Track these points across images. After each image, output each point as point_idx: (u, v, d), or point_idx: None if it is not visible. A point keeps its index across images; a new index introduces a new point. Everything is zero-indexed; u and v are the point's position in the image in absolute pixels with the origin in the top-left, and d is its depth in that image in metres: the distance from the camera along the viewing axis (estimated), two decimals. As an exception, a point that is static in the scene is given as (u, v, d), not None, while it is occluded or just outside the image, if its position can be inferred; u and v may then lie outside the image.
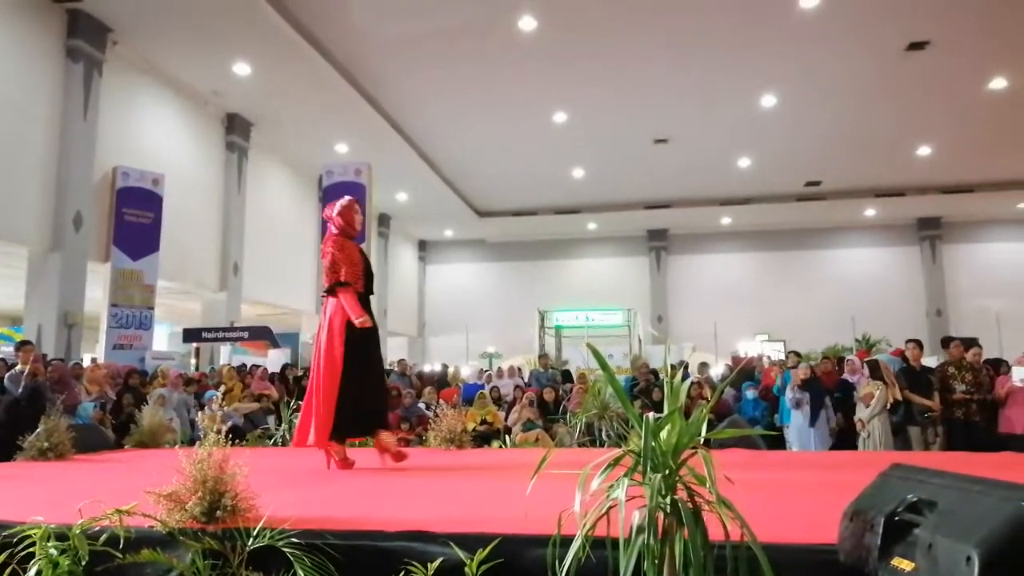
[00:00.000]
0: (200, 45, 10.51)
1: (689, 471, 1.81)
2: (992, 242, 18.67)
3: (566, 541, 1.74)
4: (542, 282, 20.40)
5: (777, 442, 7.36)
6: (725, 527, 1.66)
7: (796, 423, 7.37)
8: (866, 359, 8.43)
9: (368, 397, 4.17)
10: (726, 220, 19.31)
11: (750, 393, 8.11)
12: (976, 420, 7.19)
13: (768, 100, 12.54)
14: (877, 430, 7.14)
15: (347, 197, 4.61)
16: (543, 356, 12.05)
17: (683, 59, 11.11)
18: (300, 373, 9.52)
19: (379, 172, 13.55)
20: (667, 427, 1.83)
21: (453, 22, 10.11)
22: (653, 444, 1.79)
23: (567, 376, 10.82)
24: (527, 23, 10.16)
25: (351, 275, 4.21)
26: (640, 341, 15.20)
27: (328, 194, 13.20)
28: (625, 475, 1.78)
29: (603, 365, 1.96)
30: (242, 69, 11.21)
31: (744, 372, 8.94)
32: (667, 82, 11.89)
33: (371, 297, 4.40)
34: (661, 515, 1.72)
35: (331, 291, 4.22)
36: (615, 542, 1.68)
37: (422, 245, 22.35)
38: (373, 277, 4.46)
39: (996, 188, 16.66)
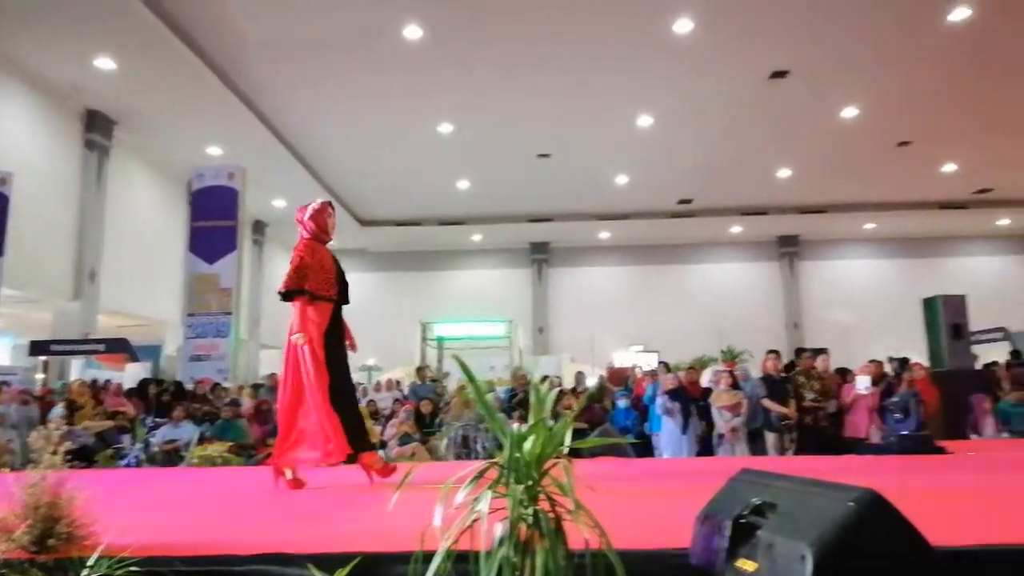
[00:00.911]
0: (58, 35, 9.73)
1: (553, 481, 1.83)
2: (842, 259, 20.30)
3: (429, 557, 1.72)
4: (425, 293, 20.26)
5: (646, 450, 7.63)
6: (585, 536, 1.68)
7: (668, 430, 7.66)
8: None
9: (353, 411, 4.05)
10: (605, 234, 19.94)
11: (622, 402, 8.37)
12: (824, 425, 7.75)
13: (644, 120, 13.07)
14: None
15: (320, 200, 4.46)
16: (422, 368, 11.93)
17: (565, 76, 11.40)
18: (166, 388, 8.95)
19: (255, 177, 13.03)
20: (531, 437, 1.84)
21: (336, 27, 9.91)
22: (517, 455, 1.80)
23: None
24: (412, 32, 10.11)
25: (318, 283, 4.04)
26: (521, 352, 15.38)
27: (197, 199, 12.55)
28: (490, 487, 1.77)
29: (470, 377, 1.95)
30: (105, 63, 10.48)
31: (604, 388, 9.22)
32: (550, 98, 12.16)
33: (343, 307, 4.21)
34: (524, 526, 1.73)
35: (288, 297, 4.03)
36: (487, 555, 1.67)
37: (301, 254, 21.63)
38: (348, 285, 4.28)
39: (847, 209, 18.12)
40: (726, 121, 13.05)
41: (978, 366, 10.89)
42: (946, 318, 10.06)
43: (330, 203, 4.44)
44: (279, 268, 20.20)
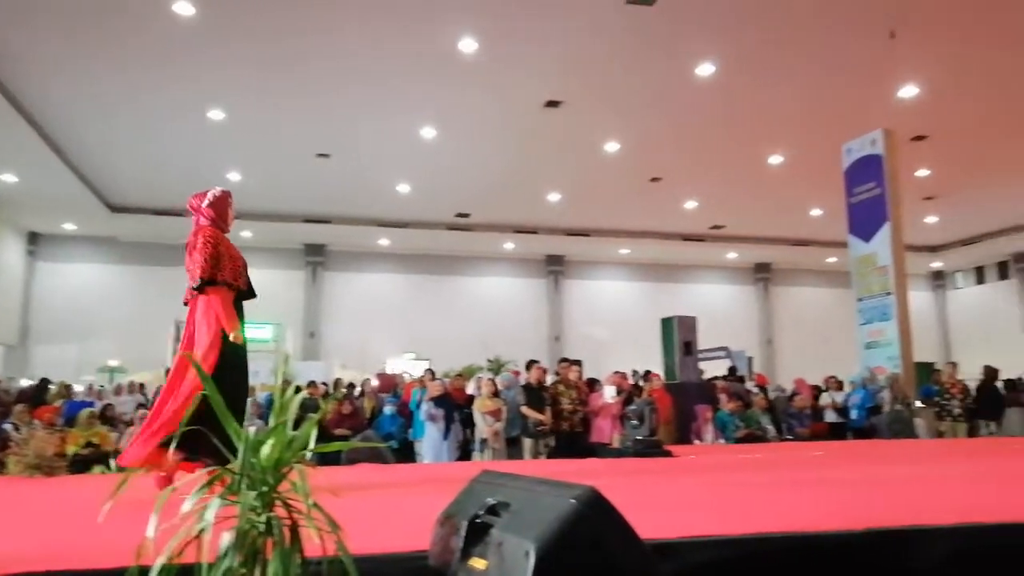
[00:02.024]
0: None
1: (293, 487, 1.77)
2: (601, 280, 22.08)
3: (146, 572, 1.57)
4: (182, 291, 18.64)
5: (408, 456, 7.69)
6: (318, 541, 1.65)
7: (430, 436, 7.78)
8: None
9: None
10: (384, 241, 19.83)
11: (388, 409, 8.36)
12: (579, 431, 8.35)
13: (428, 132, 13.23)
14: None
15: (220, 188, 4.16)
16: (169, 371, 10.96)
17: (350, 78, 11.20)
18: None
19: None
20: (269, 442, 1.77)
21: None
22: (253, 460, 1.73)
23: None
24: (183, 8, 9.32)
25: (233, 273, 3.77)
26: (288, 357, 14.73)
27: None
28: (221, 495, 1.68)
29: (204, 378, 1.83)
30: None
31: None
32: (331, 98, 11.87)
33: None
34: (256, 535, 1.65)
35: (202, 288, 3.67)
36: (210, 567, 1.57)
37: (33, 238, 18.88)
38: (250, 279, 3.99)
39: (606, 235, 19.75)
40: (504, 142, 13.63)
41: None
42: (679, 336, 11.35)
43: (231, 193, 4.19)
44: (8, 253, 17.48)
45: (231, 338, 3.67)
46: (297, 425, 1.92)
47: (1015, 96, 11.59)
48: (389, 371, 14.44)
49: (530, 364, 8.92)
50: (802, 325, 22.02)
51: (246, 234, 19.09)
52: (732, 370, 15.17)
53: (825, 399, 12.30)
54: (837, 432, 11.51)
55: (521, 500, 1.91)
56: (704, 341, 12.82)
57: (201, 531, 1.61)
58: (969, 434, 12.21)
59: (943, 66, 10.78)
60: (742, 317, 22.39)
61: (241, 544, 1.62)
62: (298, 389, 2.02)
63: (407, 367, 15.00)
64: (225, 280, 3.78)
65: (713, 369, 14.58)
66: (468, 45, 10.30)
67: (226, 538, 1.62)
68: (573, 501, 1.80)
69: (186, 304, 3.98)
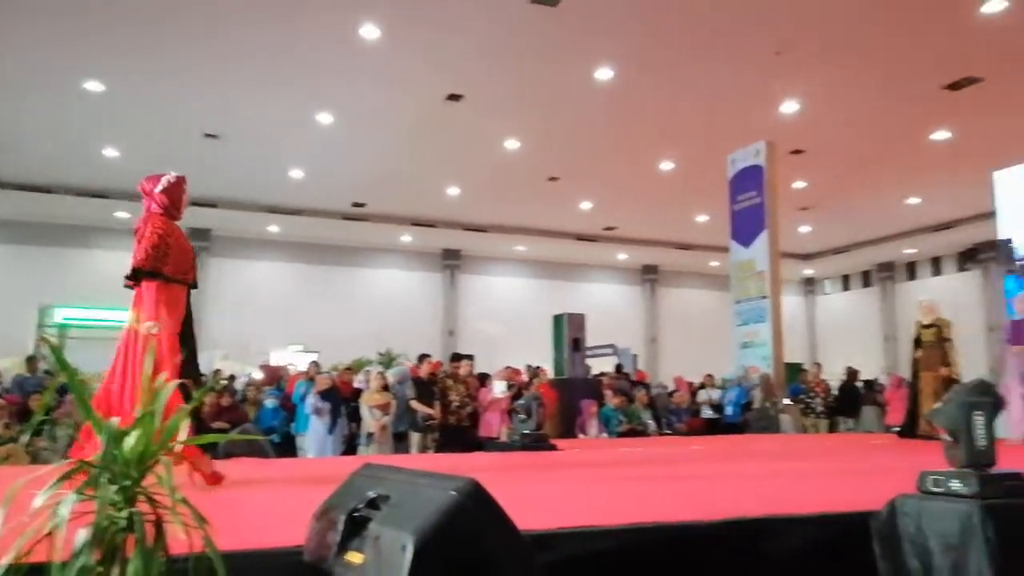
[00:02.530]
0: None
1: (159, 480, 1.69)
2: (496, 276, 22.24)
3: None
4: (52, 273, 17.30)
5: (289, 450, 7.49)
6: (189, 538, 1.58)
7: (315, 430, 7.60)
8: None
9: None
10: (273, 228, 19.16)
11: (270, 402, 8.11)
12: (467, 425, 8.39)
13: (325, 117, 12.87)
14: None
15: (175, 173, 4.09)
16: (33, 359, 10.20)
17: (241, 56, 10.72)
18: None
19: None
20: (134, 433, 1.69)
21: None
22: (115, 452, 1.64)
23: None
24: (56, -34, 8.66)
25: (178, 265, 3.76)
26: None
27: None
28: (78, 490, 1.58)
29: (63, 364, 1.72)
30: None
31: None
32: (222, 76, 11.33)
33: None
34: (115, 532, 1.57)
35: (136, 277, 3.65)
36: (63, 566, 1.48)
37: None
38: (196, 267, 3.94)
39: (504, 231, 19.91)
40: (404, 133, 13.46)
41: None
42: (569, 333, 11.62)
43: (185, 179, 4.12)
44: None
45: (143, 331, 3.63)
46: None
47: (882, 119, 12.55)
48: (274, 363, 13.99)
49: (422, 358, 8.89)
50: (685, 325, 23.01)
51: (122, 215, 17.98)
52: (618, 367, 15.66)
53: (702, 396, 12.94)
54: (712, 427, 12.14)
55: (401, 493, 1.90)
56: (592, 338, 13.17)
57: (54, 528, 1.51)
58: (830, 430, 13.17)
59: (821, 86, 11.52)
60: (629, 316, 23.15)
61: (99, 541, 1.53)
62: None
63: (293, 359, 14.57)
64: (166, 274, 3.77)
65: (600, 365, 15.02)
66: (370, 32, 10.09)
67: (82, 535, 1.53)
68: (454, 493, 1.80)
69: (127, 287, 3.93)
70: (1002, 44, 9.82)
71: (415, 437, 7.97)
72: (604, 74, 11.13)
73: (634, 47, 10.35)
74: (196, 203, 16.92)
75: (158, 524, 1.62)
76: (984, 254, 19.50)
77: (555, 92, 11.83)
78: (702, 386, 13.32)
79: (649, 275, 23.97)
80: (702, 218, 18.62)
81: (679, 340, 22.75)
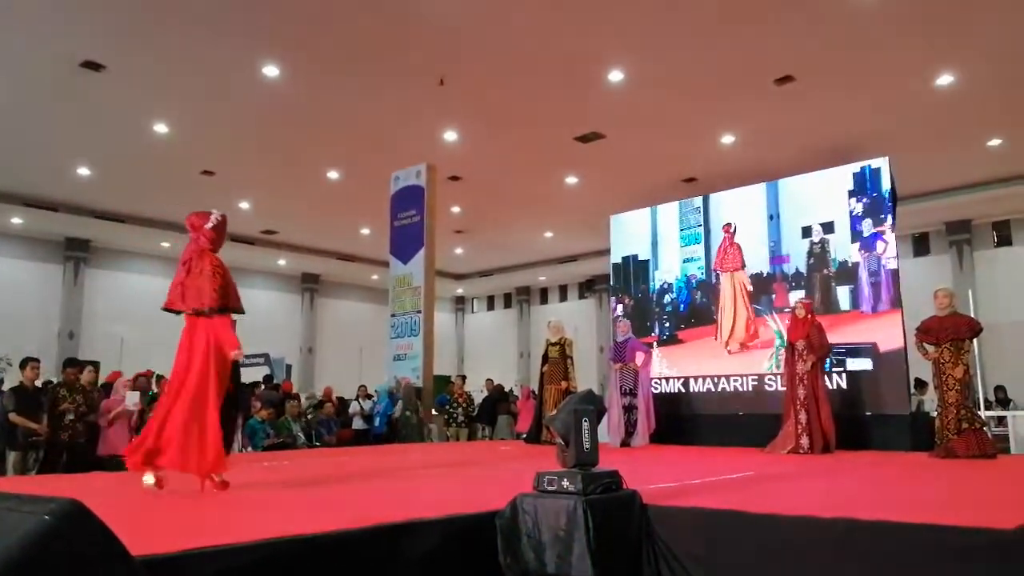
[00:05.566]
0: None
1: None
2: (133, 272, 19.75)
3: None
4: None
5: None
6: None
7: None
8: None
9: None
10: None
11: None
12: (83, 441, 7.30)
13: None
14: None
15: (219, 212, 4.71)
16: None
17: None
18: None
19: None
20: None
21: None
22: None
23: None
24: None
25: (237, 300, 4.51)
26: None
27: None
28: None
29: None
30: None
31: None
32: None
33: None
34: None
35: (205, 313, 4.34)
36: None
37: None
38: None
39: (148, 224, 17.86)
40: (26, 95, 11.35)
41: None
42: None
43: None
44: None
45: (232, 356, 4.45)
46: None
47: (525, 160, 14.09)
48: None
49: (26, 362, 7.49)
50: (344, 336, 23.02)
51: None
52: (268, 377, 15.09)
53: (354, 407, 13.06)
54: (361, 438, 12.31)
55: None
56: (246, 346, 12.44)
57: None
58: (469, 437, 14.26)
59: (477, 122, 12.53)
60: (286, 324, 22.46)
61: None
62: None
63: None
64: (232, 307, 4.53)
65: (252, 375, 14.27)
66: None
67: None
68: (47, 517, 1.56)
69: (166, 310, 4.52)
70: (621, 108, 11.74)
71: (13, 456, 6.67)
72: (271, 71, 10.70)
73: (302, 50, 10.14)
74: None
75: None
76: (599, 285, 22.95)
77: (217, 81, 11.03)
78: (356, 397, 13.44)
79: (309, 284, 23.53)
80: (366, 231, 18.88)
81: (337, 351, 22.67)
